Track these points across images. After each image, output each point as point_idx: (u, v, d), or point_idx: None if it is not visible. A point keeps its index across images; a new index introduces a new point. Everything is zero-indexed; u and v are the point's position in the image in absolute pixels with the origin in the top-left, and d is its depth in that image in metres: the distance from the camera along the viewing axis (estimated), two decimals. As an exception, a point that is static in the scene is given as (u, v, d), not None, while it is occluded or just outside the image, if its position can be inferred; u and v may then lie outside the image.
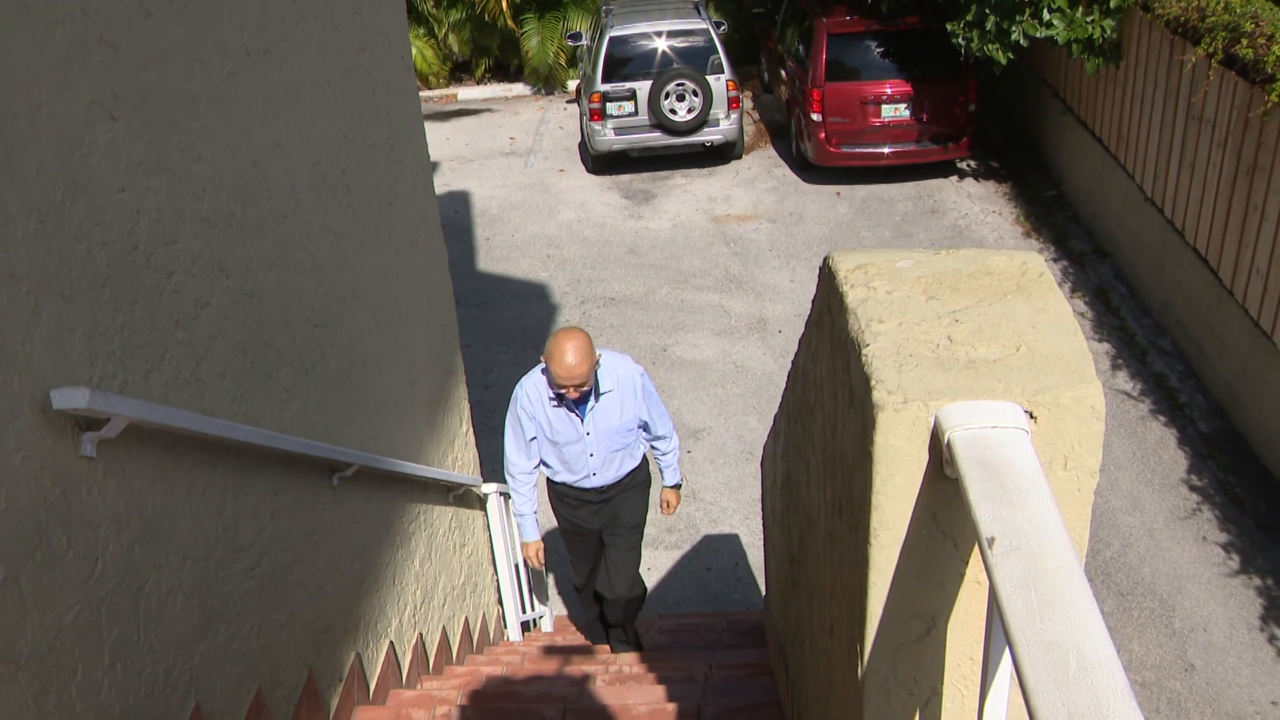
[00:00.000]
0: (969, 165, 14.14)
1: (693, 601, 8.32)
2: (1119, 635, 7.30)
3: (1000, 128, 14.78)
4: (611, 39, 14.44)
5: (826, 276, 1.93)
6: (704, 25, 14.64)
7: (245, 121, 3.72)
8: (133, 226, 2.99)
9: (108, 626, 2.84)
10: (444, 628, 5.96)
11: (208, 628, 3.36)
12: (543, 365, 5.30)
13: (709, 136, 14.64)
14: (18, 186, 2.52)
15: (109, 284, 2.87)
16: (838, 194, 13.81)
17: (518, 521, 5.97)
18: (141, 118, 3.05)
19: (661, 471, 6.07)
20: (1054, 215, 12.65)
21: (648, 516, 6.06)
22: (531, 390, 5.44)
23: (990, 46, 11.57)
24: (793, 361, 3.04)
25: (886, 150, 13.54)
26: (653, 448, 5.92)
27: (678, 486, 6.15)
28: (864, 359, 1.60)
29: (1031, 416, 1.50)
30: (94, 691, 2.78)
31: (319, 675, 4.19)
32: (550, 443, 5.55)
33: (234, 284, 3.59)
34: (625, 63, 14.44)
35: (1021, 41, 11.32)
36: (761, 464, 5.51)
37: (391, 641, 5.04)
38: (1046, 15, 11.03)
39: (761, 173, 14.82)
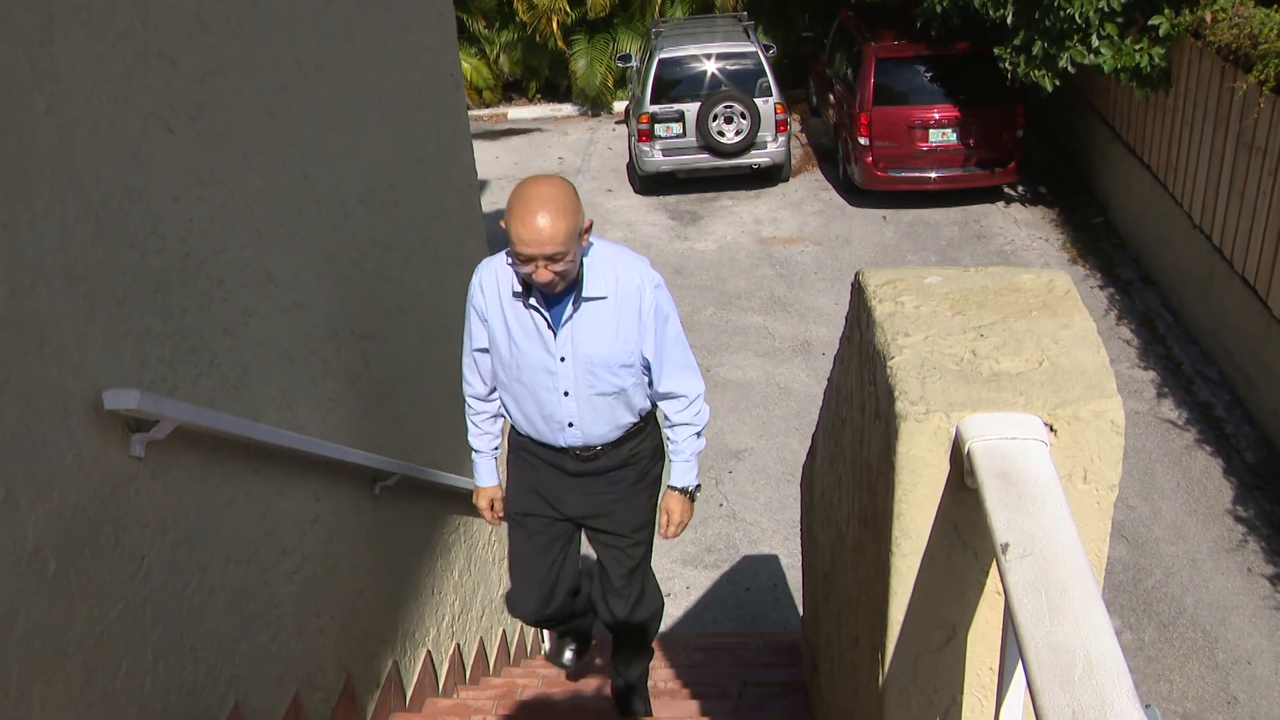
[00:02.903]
0: (1016, 191, 14.09)
1: (731, 621, 8.32)
2: (1160, 666, 7.24)
3: (1048, 153, 14.73)
4: (661, 61, 14.52)
5: (857, 292, 1.97)
6: (753, 48, 14.69)
7: (297, 135, 3.80)
8: (185, 235, 3.07)
9: (151, 624, 2.90)
10: (481, 639, 6.01)
11: (248, 629, 3.43)
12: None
13: (756, 159, 14.67)
14: (77, 194, 2.60)
15: (161, 290, 2.94)
16: (884, 218, 13.80)
17: (472, 460, 4.15)
18: (196, 130, 3.13)
19: (669, 459, 3.94)
20: (1101, 242, 12.59)
21: (656, 518, 4.05)
22: (489, 276, 3.65)
23: (1038, 72, 11.55)
24: (828, 379, 3.08)
25: (933, 175, 13.52)
26: (664, 413, 3.89)
27: (689, 493, 3.93)
28: (889, 370, 1.64)
29: (1051, 429, 1.52)
30: (137, 687, 2.84)
31: (357, 680, 4.24)
32: (506, 365, 3.70)
33: (282, 293, 3.66)
34: (674, 84, 14.51)
35: (1069, 68, 11.29)
36: (801, 484, 5.50)
37: (429, 650, 5.09)
38: (1095, 42, 10.99)
39: (808, 196, 14.83)
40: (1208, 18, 10.12)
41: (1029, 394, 1.55)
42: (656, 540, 4.09)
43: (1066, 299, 1.80)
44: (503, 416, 3.99)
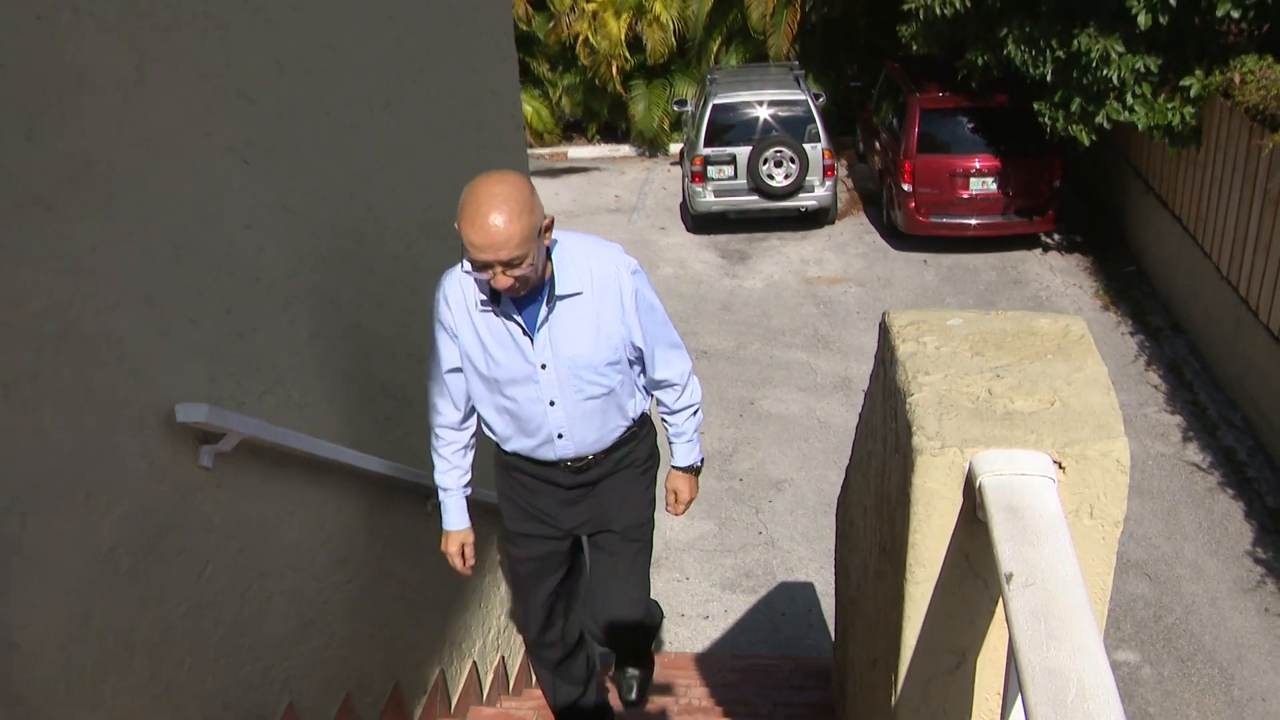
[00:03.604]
0: (1052, 239, 14.01)
1: (765, 644, 8.29)
2: (1178, 700, 7.16)
3: (1083, 204, 14.65)
4: (715, 106, 14.58)
5: (883, 331, 1.99)
6: (803, 96, 14.72)
7: (365, 169, 3.86)
8: (256, 260, 3.14)
9: (214, 624, 2.95)
10: (525, 652, 6.02)
11: (304, 633, 3.47)
12: None
13: (804, 202, 14.67)
14: (160, 219, 2.67)
15: (232, 311, 3.01)
16: (925, 262, 13.76)
17: (440, 500, 3.65)
18: (271, 163, 3.20)
19: (670, 443, 3.70)
20: (1133, 290, 12.49)
21: (654, 517, 3.74)
22: (453, 288, 3.24)
23: (1075, 127, 11.51)
24: (859, 415, 3.09)
25: (973, 222, 13.47)
26: (659, 404, 3.63)
27: (694, 470, 3.73)
28: (909, 407, 1.66)
29: (1060, 467, 1.54)
30: (199, 682, 2.90)
31: (405, 687, 4.28)
32: (484, 380, 3.30)
33: (344, 317, 3.72)
34: (727, 129, 14.56)
35: (1105, 124, 11.24)
36: (836, 514, 5.48)
37: (475, 661, 5.12)
38: (1130, 100, 10.96)
39: (853, 238, 14.81)
40: (1236, 79, 10.10)
41: (1040, 432, 1.57)
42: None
43: (1081, 343, 1.82)
44: (474, 449, 3.60)
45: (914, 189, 13.42)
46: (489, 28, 5.12)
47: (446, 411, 3.47)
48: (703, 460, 3.76)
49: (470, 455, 3.59)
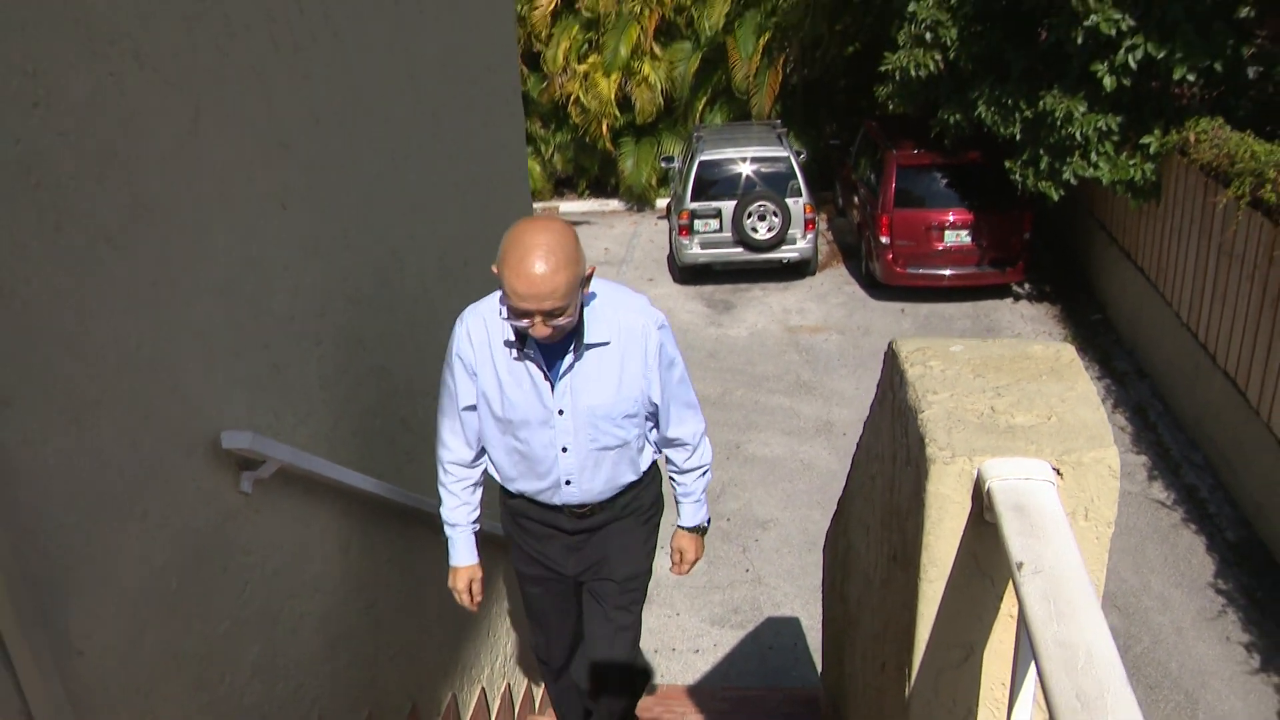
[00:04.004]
0: (1023, 289, 14.20)
1: (754, 676, 8.35)
2: (1148, 725, 7.26)
3: (1052, 255, 14.85)
4: (701, 162, 14.77)
5: (890, 357, 2.10)
6: (785, 153, 14.93)
7: (388, 216, 3.97)
8: (292, 299, 3.23)
9: (250, 642, 3.02)
10: (529, 681, 6.08)
11: (331, 654, 3.54)
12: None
13: (786, 254, 14.85)
14: (207, 261, 2.77)
15: (270, 346, 3.10)
16: (902, 311, 13.92)
17: (448, 535, 3.56)
18: (305, 208, 3.31)
19: (678, 502, 3.56)
20: (1099, 337, 12.66)
21: (653, 565, 3.60)
22: (477, 325, 3.13)
23: (1043, 183, 11.75)
24: (858, 445, 3.20)
25: (948, 273, 13.65)
26: (668, 461, 3.48)
27: (700, 530, 3.56)
28: (920, 422, 1.77)
29: (1058, 473, 1.65)
30: (237, 698, 2.96)
31: (421, 708, 4.34)
32: (498, 421, 3.18)
33: (369, 356, 3.82)
34: (712, 184, 14.74)
35: (1072, 180, 11.48)
36: (823, 550, 5.56)
37: (484, 687, 5.17)
38: (1094, 157, 11.21)
39: (833, 289, 14.98)
40: (1191, 138, 10.39)
41: (1039, 443, 1.68)
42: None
43: (1071, 366, 1.93)
44: (483, 486, 3.46)
45: (891, 241, 13.60)
46: (499, 86, 5.26)
47: (458, 449, 3.35)
48: (709, 521, 3.59)
49: (479, 492, 3.46)
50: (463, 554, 3.52)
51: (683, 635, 8.56)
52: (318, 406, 3.41)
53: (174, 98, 2.61)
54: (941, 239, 13.53)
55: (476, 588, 3.55)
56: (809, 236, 14.82)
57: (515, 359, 3.07)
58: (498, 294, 3.02)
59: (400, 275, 4.11)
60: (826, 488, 10.29)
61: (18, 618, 2.10)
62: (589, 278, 2.95)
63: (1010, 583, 1.70)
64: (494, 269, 2.83)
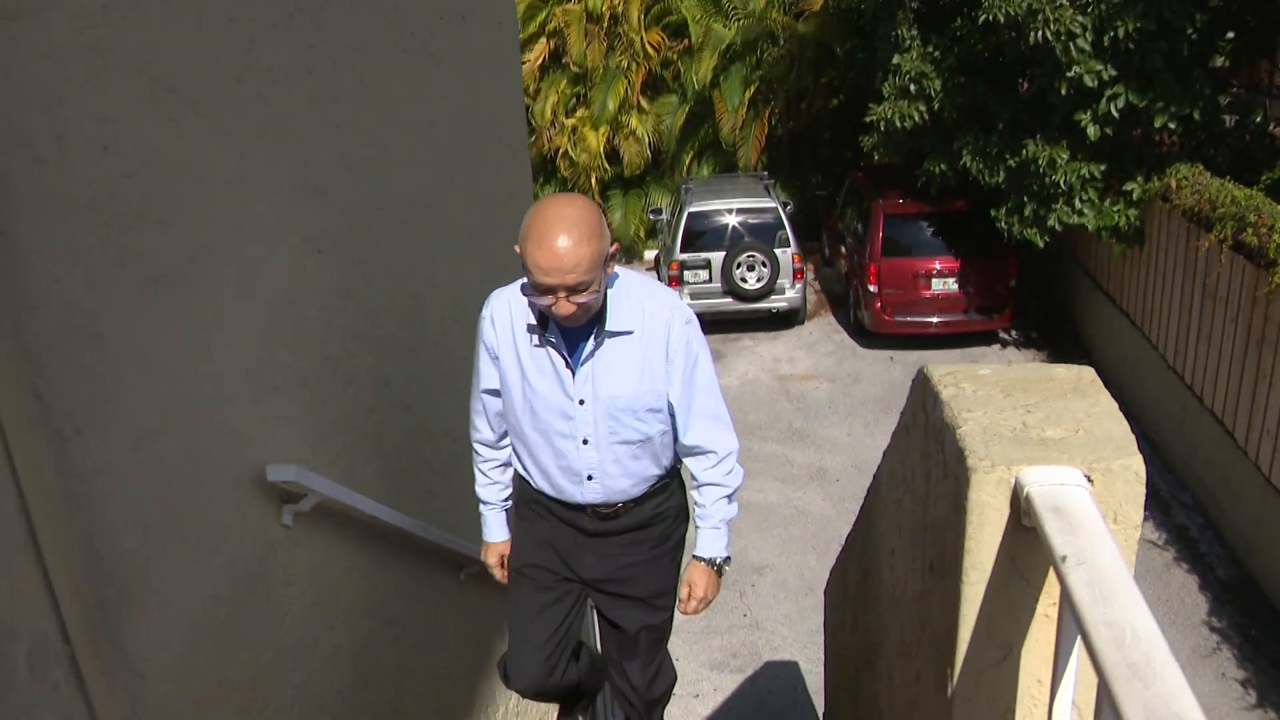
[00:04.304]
0: (1010, 335, 14.38)
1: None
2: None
3: (1038, 302, 15.05)
4: (690, 214, 14.93)
5: (921, 382, 2.22)
6: (773, 204, 15.11)
7: (410, 261, 4.10)
8: (326, 339, 3.35)
9: (290, 671, 3.11)
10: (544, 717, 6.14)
11: (362, 685, 3.62)
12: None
13: (775, 304, 15.00)
14: (253, 301, 2.89)
15: (307, 385, 3.22)
16: (891, 358, 14.07)
17: (480, 512, 3.45)
18: (338, 252, 3.43)
19: (696, 526, 3.22)
20: (1087, 382, 12.81)
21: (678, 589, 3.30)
22: (501, 309, 3.02)
23: (1029, 230, 11.95)
24: (874, 477, 3.31)
25: (935, 320, 13.81)
26: (691, 474, 3.18)
27: (717, 565, 3.19)
28: (959, 437, 1.89)
29: (1089, 479, 1.77)
30: (279, 727, 3.05)
31: (442, 743, 4.42)
32: (520, 409, 3.05)
33: (395, 396, 3.92)
34: (701, 235, 14.90)
35: (1056, 227, 11.70)
36: (825, 592, 5.62)
37: (500, 723, 5.25)
38: (1078, 204, 11.44)
39: (822, 337, 15.13)
40: (1173, 185, 10.63)
41: (1071, 453, 1.80)
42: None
43: (1093, 385, 2.06)
44: (511, 466, 3.31)
45: (879, 290, 13.77)
46: (507, 138, 5.42)
47: (483, 429, 3.25)
48: (728, 560, 3.23)
49: (508, 472, 3.33)
50: (494, 529, 3.43)
51: (682, 680, 8.55)
52: (349, 444, 3.52)
53: (225, 144, 2.74)
54: (929, 287, 13.69)
55: (508, 562, 3.41)
56: (798, 286, 14.97)
57: (535, 345, 2.95)
58: (522, 279, 2.87)
59: (422, 319, 4.23)
60: (821, 533, 10.39)
61: (91, 638, 2.20)
62: (613, 255, 2.83)
63: (1044, 584, 1.82)
64: (516, 249, 2.72)
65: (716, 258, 14.70)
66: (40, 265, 2.08)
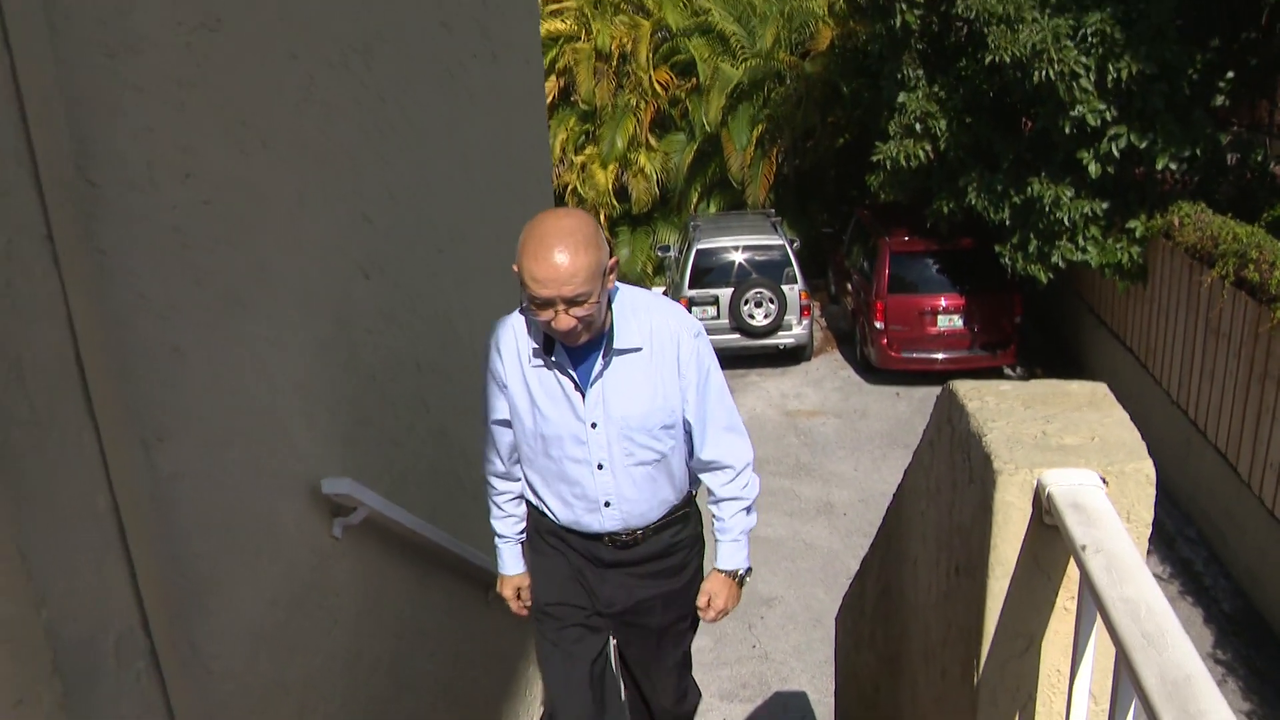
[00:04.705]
0: (1015, 371, 14.50)
1: (764, 751, 8.51)
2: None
3: (1043, 338, 15.21)
4: (698, 251, 15.08)
5: (947, 397, 2.39)
6: (780, 241, 15.28)
7: (446, 288, 4.28)
8: (373, 361, 3.52)
9: (339, 676, 3.26)
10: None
11: (400, 696, 3.76)
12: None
13: (782, 340, 15.12)
14: (307, 324, 3.06)
15: (355, 403, 3.39)
16: (897, 394, 14.22)
17: (495, 545, 3.41)
18: (383, 277, 3.61)
19: (716, 540, 3.20)
20: (1091, 417, 12.95)
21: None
22: (506, 336, 2.99)
23: (1033, 267, 12.13)
24: (894, 498, 3.48)
25: (941, 356, 13.95)
26: (708, 489, 3.16)
27: (736, 576, 3.21)
28: (985, 444, 2.06)
29: (1105, 481, 1.93)
30: (326, 729, 3.20)
31: (470, 758, 4.55)
32: (531, 437, 3.01)
33: (433, 419, 4.09)
34: (709, 272, 15.05)
35: (1060, 263, 11.89)
36: (837, 619, 5.72)
37: (523, 744, 5.39)
38: (1082, 241, 11.64)
39: (829, 373, 15.28)
40: (1176, 222, 10.83)
41: (1087, 457, 1.97)
42: (695, 676, 3.55)
43: (1106, 399, 2.23)
44: (521, 499, 3.28)
45: (885, 326, 13.93)
46: (533, 174, 5.61)
47: (495, 462, 3.20)
48: (749, 570, 3.25)
49: (522, 505, 3.28)
50: (510, 563, 3.38)
51: (692, 709, 8.71)
52: (392, 462, 3.68)
53: (288, 174, 2.93)
54: (935, 323, 13.86)
55: (525, 594, 3.39)
56: (804, 322, 15.11)
57: (542, 366, 2.90)
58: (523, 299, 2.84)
59: (455, 344, 4.40)
60: (829, 566, 10.51)
61: (169, 634, 2.35)
62: (612, 268, 2.77)
63: (1064, 579, 1.99)
64: (514, 267, 2.70)
65: (724, 294, 14.85)
66: (130, 283, 2.25)
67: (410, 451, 3.85)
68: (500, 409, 3.06)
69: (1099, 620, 1.59)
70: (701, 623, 3.33)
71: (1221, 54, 11.03)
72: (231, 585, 2.64)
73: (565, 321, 2.67)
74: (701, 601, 3.22)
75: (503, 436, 3.12)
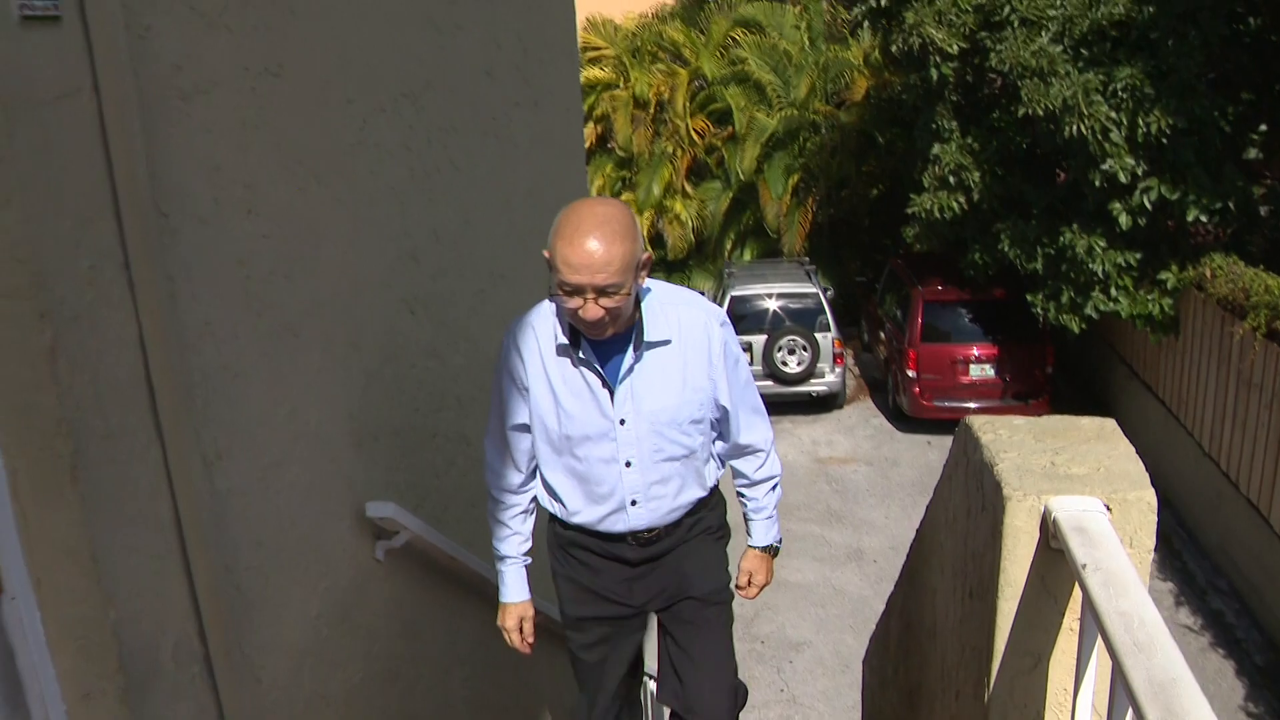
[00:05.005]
0: (1047, 422, 14.55)
1: (792, 794, 8.57)
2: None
3: (1074, 388, 15.24)
4: (733, 298, 15.23)
5: (964, 429, 2.52)
6: (814, 290, 15.44)
7: (486, 326, 4.42)
8: (416, 394, 3.68)
9: (377, 693, 3.39)
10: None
11: (435, 716, 3.89)
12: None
13: (815, 387, 15.24)
14: (356, 356, 3.23)
15: (399, 434, 3.54)
16: (929, 443, 14.27)
17: (497, 570, 3.22)
18: (427, 313, 3.77)
19: (747, 521, 3.24)
20: (1123, 469, 12.97)
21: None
22: (526, 336, 2.88)
23: (1065, 316, 12.21)
24: (917, 533, 3.59)
25: (973, 405, 13.95)
26: (737, 476, 3.18)
27: (772, 551, 3.29)
28: (996, 473, 2.18)
29: (1108, 508, 2.05)
30: (364, 746, 3.33)
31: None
32: (554, 439, 2.89)
33: (471, 452, 4.22)
34: (743, 319, 15.13)
35: (1093, 314, 11.97)
36: (864, 661, 5.81)
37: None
38: (1114, 292, 11.70)
39: (860, 421, 15.37)
40: (1208, 274, 10.88)
41: (1092, 486, 2.08)
42: None
43: (1114, 434, 2.35)
44: (534, 514, 3.12)
45: (918, 375, 14.01)
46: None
47: (507, 474, 3.02)
48: (780, 541, 3.29)
49: (530, 521, 3.13)
50: (513, 589, 3.18)
51: (721, 751, 8.76)
52: (432, 492, 3.83)
53: (341, 212, 3.10)
54: (967, 372, 13.94)
55: (528, 627, 3.19)
56: (837, 370, 15.22)
57: (571, 365, 2.80)
58: (540, 305, 2.87)
59: (493, 381, 4.55)
60: (858, 612, 10.56)
61: (222, 641, 2.50)
62: (645, 264, 2.70)
63: (1069, 601, 2.10)
64: (545, 253, 2.62)
65: (758, 341, 14.95)
66: (197, 310, 2.42)
67: (450, 483, 4.00)
68: (519, 413, 2.91)
69: (1100, 636, 1.70)
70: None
71: (1254, 106, 11.11)
72: (279, 600, 2.79)
73: (593, 311, 2.59)
74: (742, 580, 3.24)
75: (521, 443, 2.96)
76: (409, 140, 3.60)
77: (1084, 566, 1.81)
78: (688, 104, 19.25)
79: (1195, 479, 11.19)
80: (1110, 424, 2.41)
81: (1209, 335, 10.87)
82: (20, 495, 1.98)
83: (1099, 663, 1.92)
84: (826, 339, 15.02)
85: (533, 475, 3.03)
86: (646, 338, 2.77)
